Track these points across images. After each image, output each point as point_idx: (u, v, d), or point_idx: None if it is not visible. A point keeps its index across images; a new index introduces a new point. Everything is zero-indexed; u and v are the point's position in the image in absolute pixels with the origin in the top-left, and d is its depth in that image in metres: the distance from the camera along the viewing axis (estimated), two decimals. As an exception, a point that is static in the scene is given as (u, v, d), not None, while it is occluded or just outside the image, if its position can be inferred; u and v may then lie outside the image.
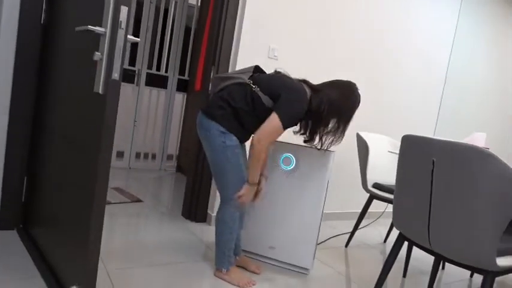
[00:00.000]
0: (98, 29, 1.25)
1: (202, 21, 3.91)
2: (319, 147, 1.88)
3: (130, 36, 1.31)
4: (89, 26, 1.24)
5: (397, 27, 3.35)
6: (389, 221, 3.08)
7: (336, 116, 1.81)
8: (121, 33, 1.25)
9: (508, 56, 4.42)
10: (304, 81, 1.85)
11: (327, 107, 1.77)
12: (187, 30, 4.19)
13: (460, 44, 3.85)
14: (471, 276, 2.47)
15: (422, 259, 2.64)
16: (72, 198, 1.49)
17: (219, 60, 2.56)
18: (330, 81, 1.89)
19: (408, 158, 1.56)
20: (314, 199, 2.05)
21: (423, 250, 1.61)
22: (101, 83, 1.27)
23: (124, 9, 1.23)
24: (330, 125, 1.82)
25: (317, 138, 1.87)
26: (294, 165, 2.07)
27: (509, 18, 4.29)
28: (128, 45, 3.79)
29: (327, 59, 2.98)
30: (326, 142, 1.85)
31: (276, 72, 1.88)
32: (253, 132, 1.79)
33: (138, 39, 1.36)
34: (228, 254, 1.85)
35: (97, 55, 1.26)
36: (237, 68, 2.57)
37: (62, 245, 1.58)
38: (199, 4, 4.17)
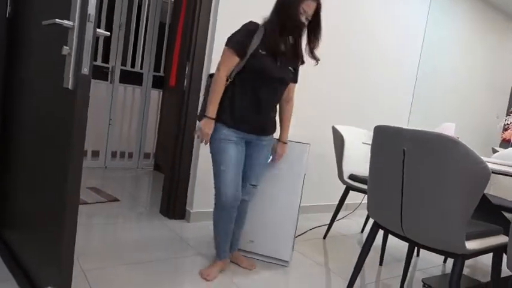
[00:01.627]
0: (65, 22, 1.22)
1: (176, 16, 3.86)
2: (309, 52, 1.84)
3: (99, 30, 1.28)
4: (57, 20, 1.21)
5: (367, 21, 3.41)
6: (365, 212, 3.13)
7: (282, 10, 1.74)
8: (90, 26, 1.22)
9: (477, 47, 4.58)
10: None
11: (274, 9, 1.77)
12: (162, 26, 4.13)
13: (431, 36, 3.95)
14: (444, 261, 2.56)
15: (397, 247, 2.71)
16: (45, 198, 1.45)
17: (194, 56, 2.54)
18: None
19: (380, 148, 1.60)
20: (291, 192, 2.07)
21: (397, 237, 1.66)
22: (70, 78, 1.24)
23: (92, 2, 1.21)
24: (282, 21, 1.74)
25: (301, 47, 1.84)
26: (270, 159, 2.08)
27: (478, 9, 4.43)
28: (101, 40, 3.71)
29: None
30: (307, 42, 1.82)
31: None
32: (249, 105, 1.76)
33: (108, 33, 1.34)
34: (219, 247, 1.91)
35: (65, 49, 1.23)
36: (212, 64, 2.55)
37: (35, 247, 1.54)
38: (172, 0, 4.12)
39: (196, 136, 1.83)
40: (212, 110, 1.74)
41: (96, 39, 1.25)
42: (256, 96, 1.75)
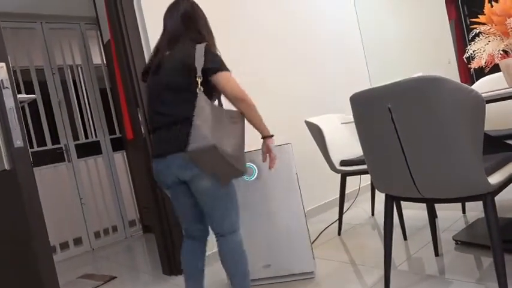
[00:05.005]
0: (-23, 98, 1.05)
1: (113, 76, 3.72)
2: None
3: (22, 95, 1.12)
4: (-35, 98, 1.04)
5: (301, 18, 3.40)
6: (369, 195, 3.02)
7: (207, 27, 1.69)
8: (7, 93, 1.06)
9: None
10: (171, 43, 1.65)
11: (200, 29, 1.65)
12: (103, 91, 3.97)
13: (361, 6, 4.00)
14: (463, 212, 2.45)
15: (414, 217, 2.59)
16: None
17: (142, 100, 2.39)
18: (170, 15, 1.70)
19: (363, 117, 1.49)
20: (290, 198, 1.92)
21: (413, 201, 1.53)
22: (4, 156, 1.06)
23: (0, 66, 1.04)
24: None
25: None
26: (256, 173, 1.93)
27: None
28: (45, 123, 3.47)
29: (249, 53, 2.92)
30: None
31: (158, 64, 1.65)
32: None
33: (34, 95, 1.17)
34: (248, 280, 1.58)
35: (-12, 128, 1.05)
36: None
37: None
38: (105, 62, 3.97)
39: (269, 162, 1.63)
40: (266, 127, 1.63)
41: (29, 118, 1.09)
42: None
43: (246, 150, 1.99)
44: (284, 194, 1.91)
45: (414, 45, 4.71)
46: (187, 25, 1.64)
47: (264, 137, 1.64)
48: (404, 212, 2.37)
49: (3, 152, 1.05)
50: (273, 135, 1.65)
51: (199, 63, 1.50)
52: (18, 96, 1.08)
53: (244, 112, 1.56)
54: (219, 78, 1.51)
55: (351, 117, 1.68)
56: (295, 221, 1.91)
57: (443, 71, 4.99)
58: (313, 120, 2.55)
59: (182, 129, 1.47)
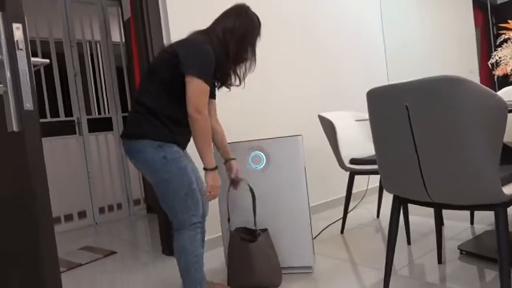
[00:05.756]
0: (-9, 57, 1.04)
1: (131, 55, 3.72)
2: (237, 83, 1.68)
3: (35, 59, 1.11)
4: (-20, 56, 1.03)
5: (326, 10, 3.34)
6: (376, 196, 2.98)
7: (242, 41, 1.61)
8: (21, 55, 1.05)
9: (434, 7, 4.57)
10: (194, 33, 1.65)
11: (230, 37, 1.58)
12: (120, 70, 3.97)
13: (387, 4, 3.92)
14: (471, 223, 2.40)
15: (420, 224, 2.54)
16: (19, 271, 1.23)
17: (157, 79, 2.37)
18: (218, 20, 1.67)
19: (379, 113, 1.45)
20: (296, 191, 1.89)
21: (421, 205, 1.49)
22: (13, 118, 1.05)
23: (17, 27, 1.03)
24: (239, 55, 1.62)
25: (232, 77, 1.68)
26: (264, 161, 1.91)
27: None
28: (59, 94, 3.49)
29: (268, 50, 2.88)
30: (241, 74, 1.68)
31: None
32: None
33: (47, 60, 1.16)
34: (195, 284, 1.55)
35: (0, 88, 1.05)
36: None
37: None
38: (123, 40, 3.97)
39: (206, 197, 1.55)
40: (212, 158, 1.52)
41: (36, 75, 1.08)
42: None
43: (254, 138, 1.97)
44: (290, 186, 1.89)
45: (437, 50, 4.61)
46: (219, 26, 1.61)
47: (204, 168, 1.53)
48: (410, 217, 2.34)
49: (12, 114, 1.05)
50: (215, 168, 1.54)
51: (182, 54, 1.48)
52: (32, 59, 1.07)
53: (192, 129, 1.49)
54: (188, 80, 1.46)
55: (365, 115, 1.64)
56: (298, 214, 1.89)
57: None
58: (327, 115, 2.51)
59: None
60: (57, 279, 1.09)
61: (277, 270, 1.80)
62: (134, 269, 2.26)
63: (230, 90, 1.73)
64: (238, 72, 1.66)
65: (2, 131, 1.11)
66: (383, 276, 1.57)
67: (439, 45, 4.62)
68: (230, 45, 1.59)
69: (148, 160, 1.49)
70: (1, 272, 1.37)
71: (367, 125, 2.60)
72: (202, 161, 1.51)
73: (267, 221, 1.91)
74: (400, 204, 1.55)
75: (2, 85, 1.05)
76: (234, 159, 1.81)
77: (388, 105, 1.38)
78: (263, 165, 1.92)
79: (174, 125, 1.53)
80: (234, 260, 1.76)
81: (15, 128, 1.05)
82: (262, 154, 1.91)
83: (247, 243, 1.74)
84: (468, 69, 5.11)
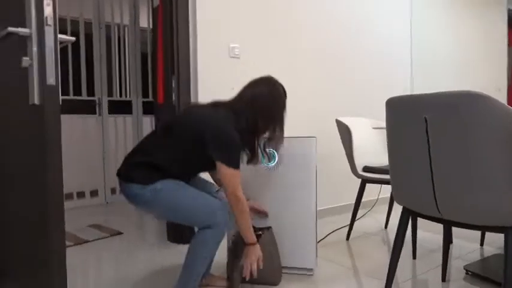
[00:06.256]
0: (21, 30, 1.07)
1: (156, 42, 3.76)
2: (267, 162, 1.74)
3: (62, 36, 1.13)
4: (9, 28, 1.06)
5: (356, 12, 3.30)
6: (386, 207, 2.94)
7: (272, 122, 1.67)
8: (49, 30, 1.07)
9: (468, 21, 4.46)
10: (216, 105, 1.66)
11: (260, 120, 1.63)
12: (144, 56, 4.03)
13: (418, 15, 3.84)
14: (481, 244, 2.35)
15: (428, 239, 2.50)
16: (28, 238, 1.27)
17: (179, 68, 2.40)
18: (245, 88, 1.72)
19: (397, 123, 1.43)
20: (305, 192, 1.88)
21: (431, 220, 1.47)
22: (36, 91, 1.08)
23: (47, 3, 1.06)
24: (267, 134, 1.68)
25: (259, 153, 1.72)
26: (276, 159, 1.91)
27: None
28: (83, 73, 3.56)
29: (291, 50, 2.87)
30: (270, 151, 1.74)
31: (188, 108, 1.71)
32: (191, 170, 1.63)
33: (73, 38, 1.19)
34: (198, 277, 1.58)
35: (25, 60, 1.08)
36: (199, 73, 2.42)
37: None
38: (151, 26, 4.01)
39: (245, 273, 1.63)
40: (252, 235, 1.62)
41: (61, 51, 1.10)
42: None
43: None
44: (300, 186, 1.88)
45: (466, 65, 4.51)
46: (251, 106, 1.63)
47: (245, 244, 1.63)
48: (420, 232, 2.30)
49: (35, 87, 1.08)
50: (256, 243, 1.63)
51: (211, 140, 1.52)
52: (59, 36, 1.10)
53: (233, 210, 1.57)
54: (221, 168, 1.53)
55: (383, 124, 1.62)
56: (305, 215, 1.88)
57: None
58: (344, 120, 2.48)
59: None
60: (62, 249, 1.12)
61: (278, 269, 1.80)
62: (138, 251, 2.30)
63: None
64: (267, 149, 1.73)
65: (24, 102, 1.14)
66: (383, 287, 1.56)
67: (468, 60, 4.52)
68: (260, 128, 1.64)
69: (144, 199, 1.52)
70: (11, 234, 1.42)
71: (384, 134, 2.57)
72: (244, 237, 1.62)
73: (272, 219, 1.91)
74: (408, 216, 1.53)
75: (28, 58, 1.08)
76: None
77: (407, 116, 1.36)
78: (275, 163, 1.92)
79: (176, 178, 1.57)
80: (235, 254, 1.77)
81: (36, 101, 1.08)
82: (275, 151, 1.90)
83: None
84: (496, 86, 4.98)
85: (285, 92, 1.75)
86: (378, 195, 3.33)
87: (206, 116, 1.60)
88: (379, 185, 3.26)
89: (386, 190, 3.36)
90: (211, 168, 1.60)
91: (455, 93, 1.21)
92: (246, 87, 1.73)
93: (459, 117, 1.20)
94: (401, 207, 1.56)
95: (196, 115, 1.61)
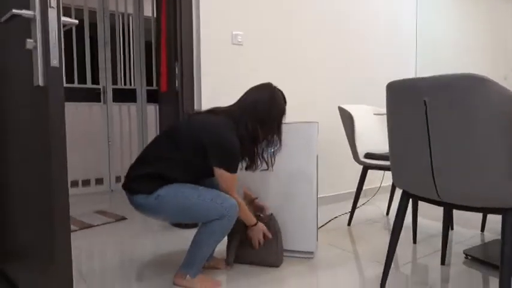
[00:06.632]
0: (25, 12, 1.09)
1: (160, 31, 3.76)
2: (266, 167, 1.77)
3: (65, 18, 1.15)
4: (14, 10, 1.08)
5: (361, 2, 3.28)
6: (387, 196, 2.96)
7: (272, 129, 1.71)
8: (52, 13, 1.09)
9: (474, 10, 4.41)
10: (216, 112, 1.68)
11: (259, 127, 1.66)
12: (148, 45, 4.03)
13: (423, 2, 3.81)
14: (482, 230, 2.36)
15: (429, 225, 2.52)
16: (32, 213, 1.30)
17: (182, 55, 2.41)
18: (245, 95, 1.74)
19: (397, 107, 1.44)
20: (306, 177, 1.90)
21: (430, 203, 1.48)
22: (40, 73, 1.10)
23: (51, -16, 1.07)
24: (265, 140, 1.72)
25: (258, 160, 1.75)
26: (278, 144, 1.92)
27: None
28: (88, 61, 3.58)
29: (294, 38, 2.87)
30: (269, 159, 1.78)
31: (189, 116, 1.72)
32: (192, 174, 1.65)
33: (76, 21, 1.20)
34: (202, 261, 1.63)
35: (29, 43, 1.10)
36: (202, 60, 2.43)
37: (33, 273, 1.39)
38: (155, 15, 4.01)
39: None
40: (251, 218, 1.75)
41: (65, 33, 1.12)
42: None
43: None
44: (301, 170, 1.90)
45: (472, 53, 4.46)
46: (251, 113, 1.66)
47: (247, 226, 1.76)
48: (421, 220, 2.31)
49: (39, 69, 1.10)
50: (256, 223, 1.76)
51: (211, 146, 1.56)
52: (62, 18, 1.12)
53: None
54: (218, 173, 1.59)
55: (384, 110, 1.63)
56: (306, 199, 1.90)
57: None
58: (347, 107, 2.49)
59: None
60: (66, 232, 1.15)
61: (280, 252, 1.83)
62: (143, 236, 2.34)
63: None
64: (266, 157, 1.75)
65: (28, 84, 1.16)
66: (382, 272, 1.58)
67: (474, 48, 4.48)
68: (259, 135, 1.67)
69: (150, 208, 1.57)
70: (16, 215, 1.45)
71: (385, 121, 2.58)
72: (245, 221, 1.74)
73: (273, 203, 1.93)
74: (408, 199, 1.55)
75: (32, 40, 1.10)
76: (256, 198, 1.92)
77: (407, 99, 1.37)
78: (276, 147, 1.93)
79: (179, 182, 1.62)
80: (235, 237, 1.80)
81: (40, 83, 1.10)
82: (273, 157, 1.92)
83: None
84: (503, 74, 4.93)
85: (284, 98, 1.77)
86: (380, 184, 3.35)
87: (206, 123, 1.62)
88: (381, 174, 3.28)
89: (388, 179, 3.37)
90: (213, 175, 1.63)
91: (455, 76, 1.21)
92: (245, 93, 1.76)
93: (459, 100, 1.21)
94: (402, 190, 1.57)
95: (196, 122, 1.64)
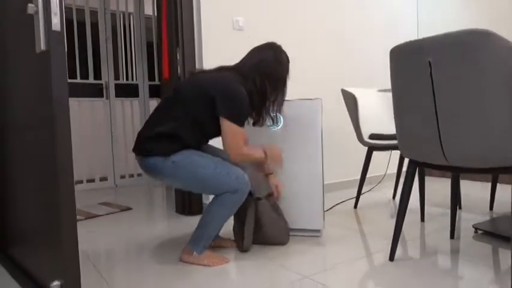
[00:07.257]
0: (25, -23, 1.09)
1: (161, 29, 3.77)
2: (270, 123, 1.79)
3: (66, -15, 1.15)
4: (15, -26, 1.08)
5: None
6: (393, 183, 2.94)
7: (279, 85, 1.70)
8: (53, -24, 1.09)
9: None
10: (222, 69, 1.69)
11: (267, 83, 1.66)
12: (150, 45, 4.05)
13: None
14: (491, 208, 2.33)
15: (436, 210, 2.49)
16: (37, 196, 1.30)
17: (183, 40, 2.41)
18: (250, 54, 1.74)
19: (401, 70, 1.42)
20: (311, 152, 1.89)
21: (438, 169, 1.47)
22: (42, 37, 1.09)
23: None
24: (272, 97, 1.70)
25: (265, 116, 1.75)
26: (282, 122, 1.92)
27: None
28: (90, 57, 3.58)
29: (296, 21, 2.87)
30: (274, 113, 1.76)
31: (194, 74, 1.71)
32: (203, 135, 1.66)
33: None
34: (209, 238, 1.62)
35: (31, 7, 1.09)
36: (204, 45, 2.43)
37: (38, 253, 1.38)
38: (155, 14, 4.03)
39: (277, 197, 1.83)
40: (261, 152, 1.69)
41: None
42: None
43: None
44: (306, 148, 1.89)
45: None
46: (258, 69, 1.66)
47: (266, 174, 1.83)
48: (426, 208, 2.28)
49: (41, 33, 1.10)
50: (266, 155, 1.70)
51: (218, 96, 1.55)
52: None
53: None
54: (225, 124, 1.56)
55: (389, 86, 1.63)
56: (312, 177, 1.89)
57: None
58: (350, 90, 2.48)
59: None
60: (72, 213, 1.14)
61: (285, 229, 1.81)
62: (148, 223, 2.33)
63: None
64: (271, 112, 1.74)
65: (31, 51, 1.16)
66: (390, 245, 1.56)
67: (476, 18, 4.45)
68: (267, 91, 1.67)
69: (166, 172, 1.55)
70: (20, 199, 1.44)
71: (389, 101, 2.56)
72: (257, 162, 1.73)
73: (280, 181, 1.92)
74: (415, 167, 1.53)
75: (33, 5, 1.10)
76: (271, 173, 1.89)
77: (411, 62, 1.35)
78: (280, 126, 1.92)
79: (192, 147, 1.61)
80: (240, 219, 1.78)
81: (42, 47, 1.10)
82: (280, 115, 1.91)
83: (253, 199, 1.75)
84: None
85: (287, 57, 1.77)
86: (386, 170, 3.33)
87: (213, 76, 1.63)
88: (387, 160, 3.26)
89: (393, 166, 3.36)
90: (220, 133, 1.61)
91: (460, 32, 1.20)
92: (251, 52, 1.77)
93: (465, 57, 1.20)
94: (408, 160, 1.55)
95: (203, 78, 1.63)
